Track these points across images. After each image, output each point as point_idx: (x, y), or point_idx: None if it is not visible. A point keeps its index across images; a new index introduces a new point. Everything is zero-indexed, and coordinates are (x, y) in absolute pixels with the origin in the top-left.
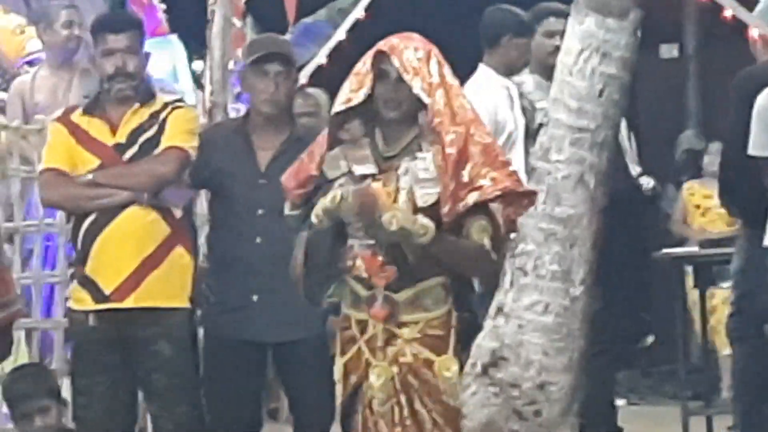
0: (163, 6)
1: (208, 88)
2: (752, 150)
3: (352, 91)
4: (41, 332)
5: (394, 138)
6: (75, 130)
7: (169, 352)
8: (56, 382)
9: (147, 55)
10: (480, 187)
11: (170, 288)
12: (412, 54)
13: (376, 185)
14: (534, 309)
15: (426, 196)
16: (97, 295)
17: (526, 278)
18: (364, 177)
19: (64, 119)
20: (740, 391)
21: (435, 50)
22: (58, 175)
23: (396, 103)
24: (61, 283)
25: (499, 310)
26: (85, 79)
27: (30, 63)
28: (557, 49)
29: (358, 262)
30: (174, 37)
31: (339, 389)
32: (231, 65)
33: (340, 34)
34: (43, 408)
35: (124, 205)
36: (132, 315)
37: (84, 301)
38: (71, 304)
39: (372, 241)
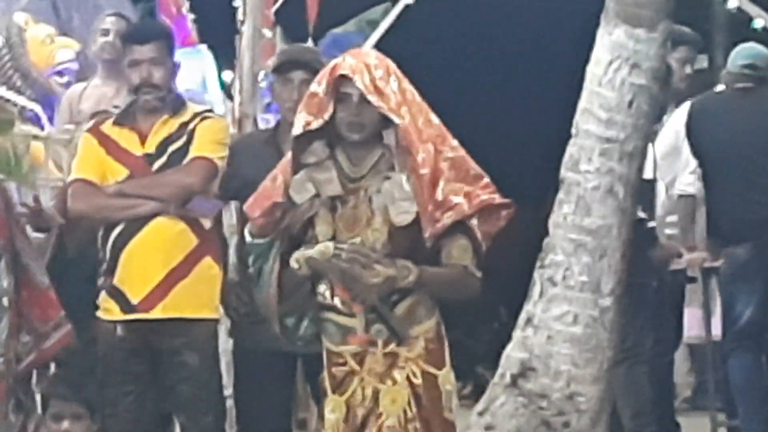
0: (193, 16)
1: (237, 98)
2: None
3: (311, 114)
4: None
5: (360, 159)
6: (105, 141)
7: (196, 362)
8: (96, 396)
9: (176, 66)
10: (455, 206)
11: (197, 298)
12: (373, 74)
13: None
14: (563, 320)
15: (402, 215)
16: (125, 305)
17: (556, 289)
18: (333, 199)
19: (95, 130)
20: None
21: (392, 66)
22: (87, 186)
23: (359, 126)
24: None
25: (528, 320)
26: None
27: (60, 73)
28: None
29: (336, 293)
30: (203, 48)
31: (339, 429)
32: (261, 76)
33: (369, 45)
34: (76, 415)
35: (151, 216)
36: (159, 325)
37: (112, 312)
38: (99, 313)
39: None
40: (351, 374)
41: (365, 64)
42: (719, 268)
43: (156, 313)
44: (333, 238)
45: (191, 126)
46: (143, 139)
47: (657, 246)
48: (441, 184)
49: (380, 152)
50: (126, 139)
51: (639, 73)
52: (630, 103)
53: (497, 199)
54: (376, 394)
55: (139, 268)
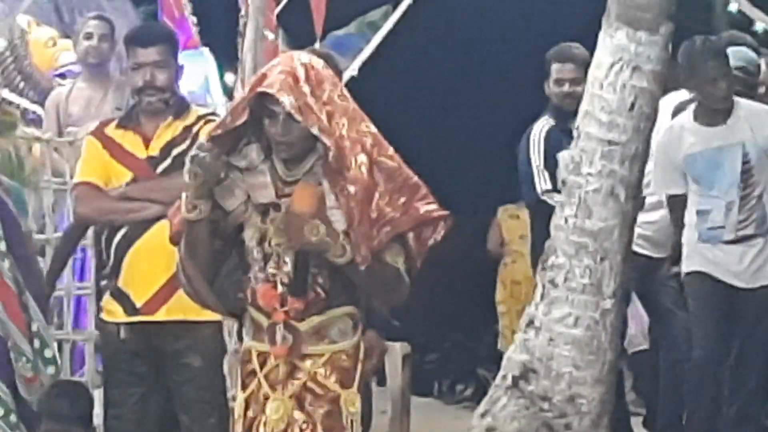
0: (195, 18)
1: None
2: (654, 188)
3: (232, 118)
4: (72, 344)
5: (295, 162)
6: (109, 144)
7: (200, 364)
8: (92, 408)
9: (180, 68)
10: (391, 220)
11: None
12: (302, 89)
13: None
14: (564, 322)
15: (335, 223)
16: (129, 307)
17: (557, 291)
18: (265, 205)
19: (98, 133)
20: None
21: (323, 72)
22: (91, 189)
23: (287, 146)
24: (92, 295)
25: (530, 322)
26: (119, 91)
27: (62, 75)
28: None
29: (258, 295)
30: (206, 50)
31: (238, 428)
32: None
33: (372, 47)
34: None
35: (155, 219)
36: (163, 327)
37: (115, 314)
38: (103, 315)
39: (273, 270)
40: (252, 374)
41: (294, 78)
42: None
43: (160, 316)
44: (261, 243)
45: (195, 129)
46: (147, 142)
47: None
48: (375, 196)
49: (317, 155)
50: (130, 142)
51: (640, 76)
52: (631, 106)
53: (435, 212)
54: (267, 399)
55: (143, 271)
